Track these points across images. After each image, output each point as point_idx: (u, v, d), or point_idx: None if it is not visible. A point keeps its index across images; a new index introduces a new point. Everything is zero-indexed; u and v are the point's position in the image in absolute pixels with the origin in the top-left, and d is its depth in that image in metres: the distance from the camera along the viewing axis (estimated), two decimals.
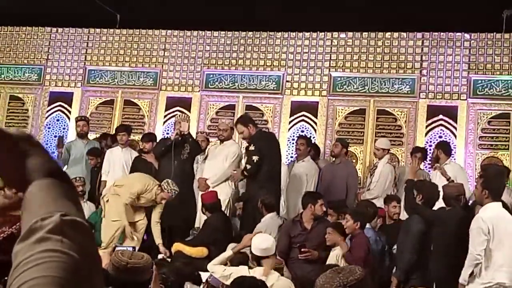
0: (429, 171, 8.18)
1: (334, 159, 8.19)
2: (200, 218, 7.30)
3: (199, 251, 6.40)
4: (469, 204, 6.50)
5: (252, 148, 7.14)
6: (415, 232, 5.77)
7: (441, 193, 6.03)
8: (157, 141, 8.30)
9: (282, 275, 4.81)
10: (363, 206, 6.65)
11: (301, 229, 6.28)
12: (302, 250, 5.98)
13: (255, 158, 7.07)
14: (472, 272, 4.88)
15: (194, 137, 8.27)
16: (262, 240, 4.78)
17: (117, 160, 8.32)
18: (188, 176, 7.79)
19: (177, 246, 6.54)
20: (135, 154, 8.39)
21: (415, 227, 5.80)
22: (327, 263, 5.49)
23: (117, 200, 6.75)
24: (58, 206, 0.77)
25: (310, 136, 8.95)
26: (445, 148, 7.81)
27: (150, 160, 8.04)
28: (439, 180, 7.13)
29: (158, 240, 6.85)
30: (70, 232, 0.75)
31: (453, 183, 6.55)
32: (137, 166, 8.08)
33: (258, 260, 4.70)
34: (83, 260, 0.74)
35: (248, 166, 7.10)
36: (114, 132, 9.13)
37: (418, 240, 5.75)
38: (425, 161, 8.17)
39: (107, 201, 6.86)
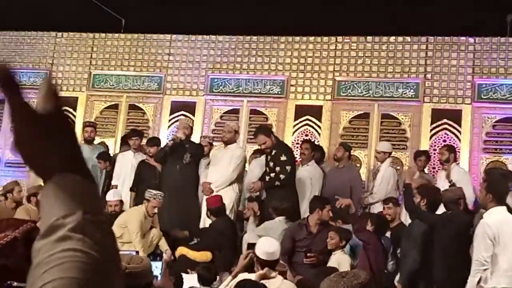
0: (433, 174, 8.17)
1: (337, 163, 8.18)
2: (205, 222, 7.30)
3: (203, 255, 6.40)
4: (470, 208, 6.50)
5: (284, 158, 7.28)
6: (417, 236, 5.77)
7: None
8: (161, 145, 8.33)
9: (286, 278, 4.79)
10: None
11: (307, 233, 6.28)
12: (308, 255, 5.98)
13: (288, 168, 7.24)
14: (480, 279, 4.86)
15: (198, 141, 8.27)
16: (268, 244, 4.72)
17: (128, 164, 8.37)
18: (191, 180, 7.78)
19: (181, 250, 6.56)
20: None
21: (417, 231, 5.79)
22: (328, 265, 5.49)
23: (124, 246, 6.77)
24: (80, 204, 0.76)
25: (314, 140, 8.94)
26: (454, 152, 7.85)
27: (154, 165, 8.06)
28: (443, 183, 7.14)
29: (165, 246, 6.91)
30: (91, 230, 0.75)
31: (451, 188, 6.56)
32: (141, 170, 8.11)
33: (263, 265, 4.65)
34: (104, 259, 0.73)
35: (282, 176, 7.22)
36: (122, 136, 9.22)
37: (421, 243, 5.74)
38: (428, 165, 8.17)
39: None
